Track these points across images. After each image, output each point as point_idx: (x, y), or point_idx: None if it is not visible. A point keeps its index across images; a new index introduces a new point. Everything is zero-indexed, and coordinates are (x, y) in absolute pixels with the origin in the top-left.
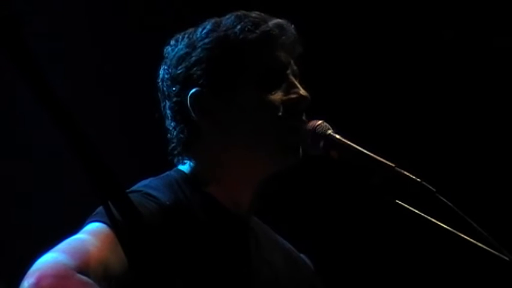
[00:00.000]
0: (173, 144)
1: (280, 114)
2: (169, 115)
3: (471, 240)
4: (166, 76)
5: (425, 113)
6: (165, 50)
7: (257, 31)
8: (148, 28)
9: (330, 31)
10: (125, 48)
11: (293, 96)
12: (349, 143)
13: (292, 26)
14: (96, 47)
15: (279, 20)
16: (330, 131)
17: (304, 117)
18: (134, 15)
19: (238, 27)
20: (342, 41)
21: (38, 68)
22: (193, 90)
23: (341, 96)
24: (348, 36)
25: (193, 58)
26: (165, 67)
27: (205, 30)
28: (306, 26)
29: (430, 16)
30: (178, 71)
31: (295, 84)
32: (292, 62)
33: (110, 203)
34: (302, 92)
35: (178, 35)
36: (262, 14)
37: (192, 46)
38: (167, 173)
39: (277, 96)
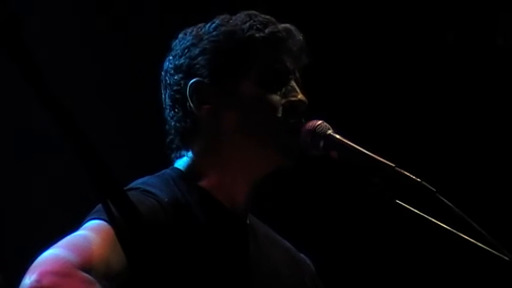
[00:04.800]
0: (171, 137)
1: (279, 115)
2: (168, 104)
3: (471, 240)
4: (170, 66)
5: (425, 114)
6: (172, 43)
7: (265, 31)
8: (146, 26)
9: (332, 32)
10: (122, 47)
11: (292, 99)
12: (349, 143)
13: (301, 34)
14: (92, 47)
15: (288, 25)
16: (329, 131)
17: (303, 120)
18: (132, 14)
19: (247, 24)
20: (344, 42)
21: (38, 68)
22: (194, 79)
23: (341, 96)
24: (350, 37)
25: (198, 49)
26: (170, 58)
27: (214, 25)
28: (308, 26)
29: (431, 18)
30: (182, 61)
31: (295, 89)
32: (296, 70)
33: (109, 201)
34: (301, 96)
35: (187, 29)
36: (273, 18)
37: (198, 38)
38: (163, 171)
39: (277, 97)
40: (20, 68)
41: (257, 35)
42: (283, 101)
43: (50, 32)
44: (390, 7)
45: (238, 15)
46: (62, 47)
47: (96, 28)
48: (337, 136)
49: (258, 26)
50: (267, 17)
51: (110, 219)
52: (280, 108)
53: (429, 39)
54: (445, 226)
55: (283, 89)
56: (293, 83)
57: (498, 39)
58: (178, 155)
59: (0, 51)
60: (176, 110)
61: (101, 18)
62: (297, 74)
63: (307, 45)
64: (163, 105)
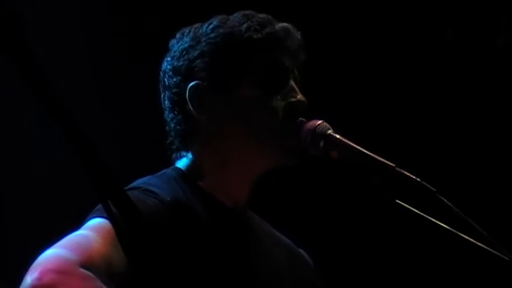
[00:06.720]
0: (171, 138)
1: (279, 117)
2: (167, 106)
3: (471, 240)
4: (168, 67)
5: (425, 113)
6: (170, 42)
7: (263, 32)
8: (146, 28)
9: (331, 32)
10: (122, 47)
11: (292, 100)
12: (349, 142)
13: (299, 32)
14: (92, 47)
15: (286, 24)
16: (330, 131)
17: (303, 119)
18: (131, 16)
19: (245, 25)
20: (343, 42)
21: (38, 68)
22: (193, 83)
23: (341, 96)
24: (349, 36)
25: (197, 51)
26: (168, 58)
27: (211, 26)
28: (308, 26)
29: (430, 16)
30: (181, 63)
31: (294, 89)
32: (294, 69)
33: (109, 201)
34: (300, 96)
35: (184, 29)
36: (270, 17)
37: (196, 39)
38: (164, 170)
39: (277, 99)
40: (20, 68)
41: (255, 36)
42: (283, 103)
43: (50, 32)
44: (389, 6)
45: (235, 15)
46: (62, 47)
47: (96, 28)
48: (337, 136)
49: (256, 26)
50: (265, 16)
51: (110, 220)
52: (280, 111)
53: (428, 37)
54: (445, 226)
55: (283, 90)
56: (292, 83)
57: (497, 39)
58: (178, 155)
59: (0, 51)
60: (176, 112)
61: (101, 18)
62: (296, 73)
63: (305, 44)
64: (163, 107)
